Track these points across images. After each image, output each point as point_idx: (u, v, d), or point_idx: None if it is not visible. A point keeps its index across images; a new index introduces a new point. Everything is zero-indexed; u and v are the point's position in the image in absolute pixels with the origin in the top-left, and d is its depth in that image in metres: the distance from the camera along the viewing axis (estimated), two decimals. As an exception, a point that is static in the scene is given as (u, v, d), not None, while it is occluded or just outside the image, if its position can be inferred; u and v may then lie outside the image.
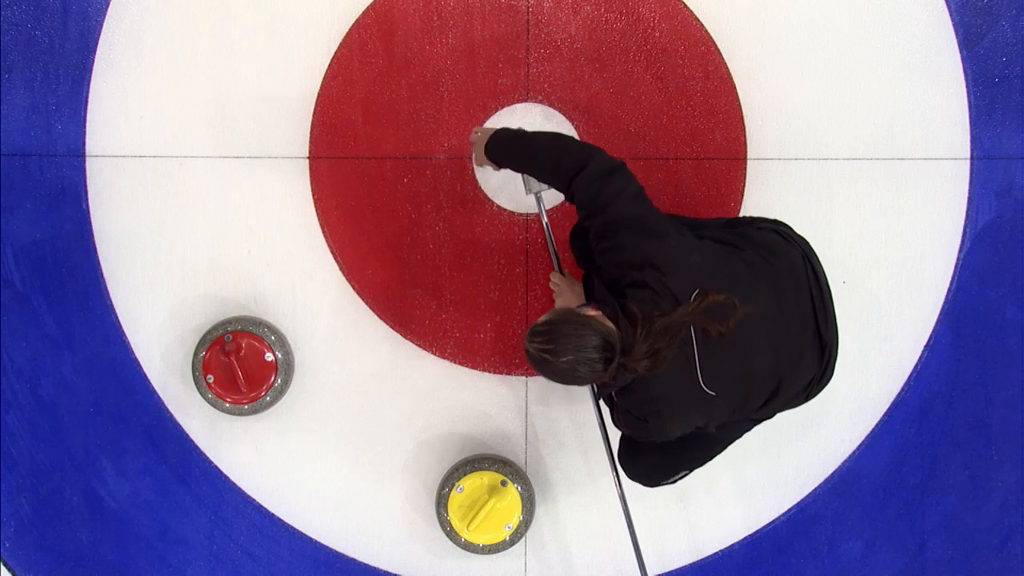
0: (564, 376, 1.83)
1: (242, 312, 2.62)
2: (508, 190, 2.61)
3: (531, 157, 2.09)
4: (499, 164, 2.18)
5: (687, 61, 2.58)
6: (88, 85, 2.59)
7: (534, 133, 2.12)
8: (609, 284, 1.95)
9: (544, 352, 1.81)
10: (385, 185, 2.61)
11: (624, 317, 1.84)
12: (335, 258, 2.62)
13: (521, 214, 2.61)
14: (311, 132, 2.60)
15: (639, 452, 2.24)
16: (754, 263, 1.97)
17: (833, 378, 2.12)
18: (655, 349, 1.80)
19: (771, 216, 2.23)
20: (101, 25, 2.58)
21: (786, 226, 2.17)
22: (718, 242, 2.01)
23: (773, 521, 2.64)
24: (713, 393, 1.91)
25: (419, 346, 2.63)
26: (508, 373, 2.63)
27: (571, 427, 2.62)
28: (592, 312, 1.88)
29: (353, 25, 2.58)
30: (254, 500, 2.65)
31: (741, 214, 2.59)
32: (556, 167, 2.01)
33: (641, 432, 1.98)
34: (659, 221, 1.93)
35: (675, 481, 2.25)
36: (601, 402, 2.38)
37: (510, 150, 2.13)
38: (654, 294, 1.85)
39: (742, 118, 2.59)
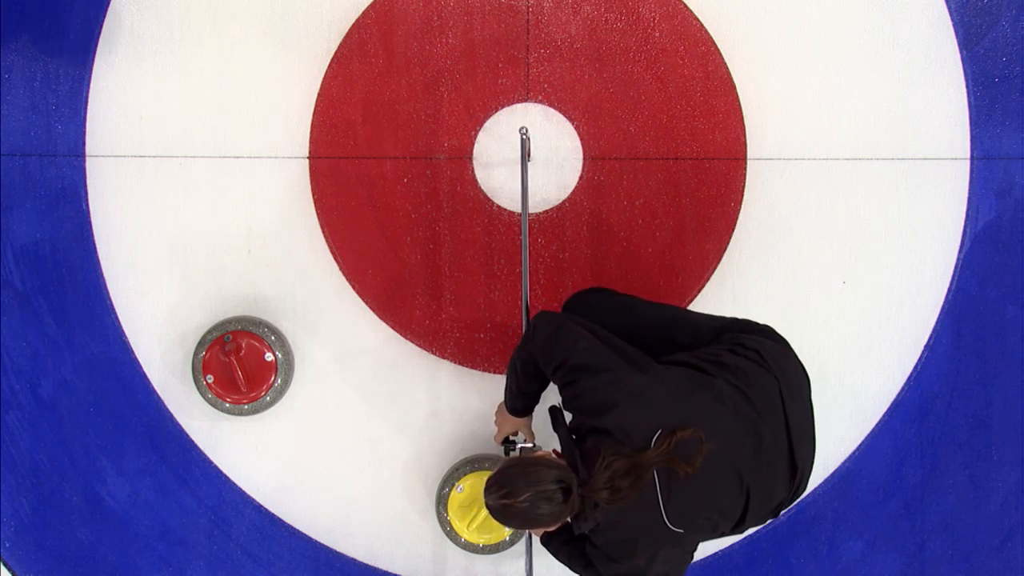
0: (527, 516, 1.83)
1: (242, 312, 2.61)
2: (508, 190, 2.61)
3: (515, 382, 2.17)
4: (511, 406, 2.26)
5: (687, 61, 2.58)
6: (88, 85, 2.59)
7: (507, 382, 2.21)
8: (575, 430, 1.95)
9: (503, 498, 1.83)
10: (385, 185, 2.61)
11: (584, 457, 1.86)
12: (335, 258, 2.62)
13: (521, 214, 2.60)
14: (311, 132, 2.60)
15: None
16: (723, 392, 1.91)
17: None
18: (614, 482, 1.80)
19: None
20: (101, 25, 2.58)
21: (772, 341, 2.10)
22: (691, 367, 1.96)
23: (773, 521, 2.63)
24: (681, 531, 1.89)
25: (419, 346, 2.63)
26: (508, 373, 2.63)
27: (571, 427, 2.62)
28: (540, 452, 1.95)
29: (353, 25, 2.58)
30: (254, 500, 2.65)
31: (741, 214, 2.60)
32: (524, 366, 2.09)
33: (615, 573, 1.98)
34: (617, 361, 1.92)
35: None
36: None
37: (510, 390, 2.21)
38: (615, 441, 1.85)
39: (742, 118, 2.59)
